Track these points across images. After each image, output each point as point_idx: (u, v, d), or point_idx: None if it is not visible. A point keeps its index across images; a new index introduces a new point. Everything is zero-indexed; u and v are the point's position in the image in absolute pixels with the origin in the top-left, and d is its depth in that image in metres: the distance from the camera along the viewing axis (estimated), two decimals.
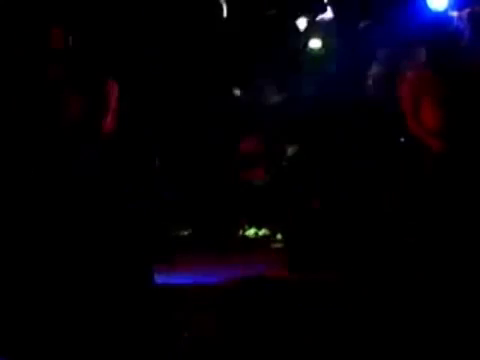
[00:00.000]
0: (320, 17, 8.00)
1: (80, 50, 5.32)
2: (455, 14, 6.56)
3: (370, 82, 7.32)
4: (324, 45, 7.99)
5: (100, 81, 5.22)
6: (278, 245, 7.48)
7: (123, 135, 5.52)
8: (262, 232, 7.96)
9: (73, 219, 5.16)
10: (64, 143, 5.25)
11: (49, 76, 5.22)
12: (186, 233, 7.63)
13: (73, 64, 5.23)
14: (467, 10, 6.50)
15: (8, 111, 5.41)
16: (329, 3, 7.89)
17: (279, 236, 7.68)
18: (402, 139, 6.51)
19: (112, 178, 5.33)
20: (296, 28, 8.07)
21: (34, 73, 5.36)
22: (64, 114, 5.23)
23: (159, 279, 5.37)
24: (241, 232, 7.89)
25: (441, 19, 6.39)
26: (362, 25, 7.53)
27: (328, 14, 7.99)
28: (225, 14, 7.93)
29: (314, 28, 8.04)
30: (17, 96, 5.44)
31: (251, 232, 7.95)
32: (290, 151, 7.84)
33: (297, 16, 8.03)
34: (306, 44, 8.04)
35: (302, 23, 8.10)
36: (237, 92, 8.08)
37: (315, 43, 8.01)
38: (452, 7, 6.74)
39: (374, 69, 7.34)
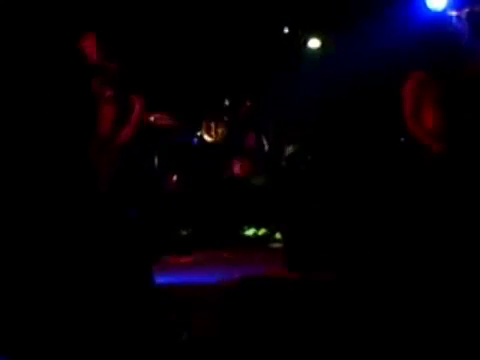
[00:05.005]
0: None
1: (114, 63, 5.30)
2: (454, 14, 6.57)
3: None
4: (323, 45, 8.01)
5: (130, 95, 5.21)
6: (277, 245, 7.48)
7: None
8: (261, 232, 7.96)
9: (73, 220, 5.15)
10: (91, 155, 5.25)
11: (92, 89, 5.22)
12: (186, 233, 7.64)
13: (108, 77, 5.21)
14: (466, 10, 6.51)
15: (46, 120, 5.43)
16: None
17: (278, 236, 7.68)
18: (402, 139, 6.52)
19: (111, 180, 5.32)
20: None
21: (79, 85, 5.37)
22: (99, 127, 5.24)
23: (159, 279, 5.37)
24: (241, 232, 7.90)
25: (440, 20, 6.39)
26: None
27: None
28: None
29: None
30: (59, 106, 5.46)
31: (251, 232, 7.95)
32: (289, 150, 7.85)
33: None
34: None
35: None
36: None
37: (314, 43, 8.05)
38: (451, 7, 6.75)
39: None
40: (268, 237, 7.90)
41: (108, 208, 5.20)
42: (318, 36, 8.30)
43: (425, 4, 6.81)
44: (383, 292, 4.91)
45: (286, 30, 8.47)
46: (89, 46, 5.24)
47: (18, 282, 4.87)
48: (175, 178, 7.80)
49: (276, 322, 4.56)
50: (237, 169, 8.06)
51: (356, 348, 4.18)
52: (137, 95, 5.21)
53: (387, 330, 4.34)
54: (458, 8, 6.71)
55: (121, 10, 6.18)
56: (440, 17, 6.68)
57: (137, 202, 5.60)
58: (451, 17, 6.68)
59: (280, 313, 4.69)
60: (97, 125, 5.22)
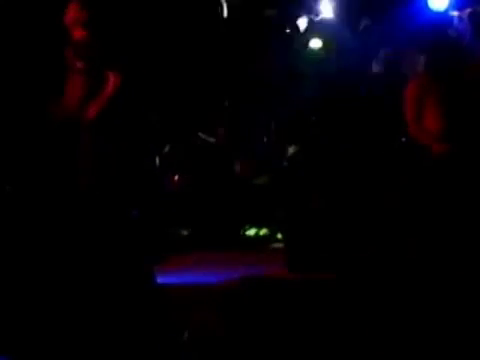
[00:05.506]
0: (321, 17, 8.01)
1: (93, 32, 5.24)
2: (456, 14, 6.57)
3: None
4: (324, 45, 7.99)
5: (105, 70, 5.13)
6: (278, 245, 7.46)
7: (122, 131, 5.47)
8: (263, 232, 7.95)
9: (73, 218, 5.15)
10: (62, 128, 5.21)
11: (65, 58, 5.17)
12: (186, 233, 7.62)
13: (82, 48, 5.16)
14: (468, 10, 6.51)
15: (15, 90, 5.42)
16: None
17: (279, 236, 7.66)
18: (403, 139, 6.51)
19: (111, 176, 5.30)
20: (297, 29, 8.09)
21: (50, 53, 5.35)
22: (68, 97, 5.18)
23: (159, 279, 5.36)
24: (242, 232, 7.88)
25: (441, 22, 6.39)
26: (362, 25, 7.53)
27: (329, 15, 8.00)
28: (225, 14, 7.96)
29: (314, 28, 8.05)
30: (27, 75, 5.45)
31: (251, 232, 7.94)
32: (291, 151, 7.84)
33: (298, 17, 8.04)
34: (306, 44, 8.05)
35: (303, 23, 8.10)
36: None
37: (315, 43, 8.02)
38: (453, 7, 6.75)
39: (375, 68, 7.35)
40: (269, 237, 7.88)
41: (109, 208, 5.19)
42: (319, 36, 8.28)
43: (427, 4, 6.81)
44: (383, 292, 4.91)
45: (287, 30, 8.46)
46: (71, 10, 5.18)
47: (18, 282, 4.87)
48: (176, 178, 7.80)
49: (276, 322, 4.57)
50: (238, 169, 8.06)
51: (356, 348, 4.18)
52: (114, 72, 5.12)
53: (387, 330, 4.35)
54: (460, 8, 6.71)
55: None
56: (442, 17, 6.68)
57: (139, 202, 5.60)
58: (453, 17, 6.68)
59: (280, 313, 4.69)
60: (63, 94, 5.16)
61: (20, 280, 4.90)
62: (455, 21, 6.64)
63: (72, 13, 5.17)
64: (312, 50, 8.04)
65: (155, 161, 7.24)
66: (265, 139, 8.16)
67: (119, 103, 5.13)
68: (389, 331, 4.34)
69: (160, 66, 7.18)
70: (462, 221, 5.18)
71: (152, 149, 7.09)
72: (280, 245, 7.33)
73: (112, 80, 5.08)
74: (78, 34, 5.15)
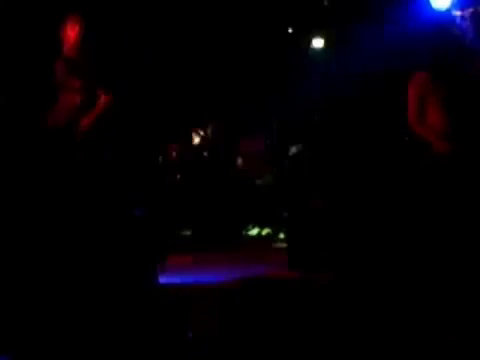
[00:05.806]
0: None
1: (85, 48, 5.27)
2: (458, 13, 6.55)
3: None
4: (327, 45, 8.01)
5: (97, 88, 5.18)
6: (281, 244, 7.46)
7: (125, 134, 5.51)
8: (265, 232, 7.96)
9: (75, 218, 5.16)
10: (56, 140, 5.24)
11: (55, 72, 5.20)
12: (188, 233, 7.64)
13: (76, 62, 5.19)
14: (470, 9, 6.49)
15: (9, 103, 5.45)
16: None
17: (282, 236, 7.67)
18: (406, 138, 6.51)
19: (114, 177, 5.32)
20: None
21: (41, 66, 5.37)
22: (58, 111, 5.21)
23: (159, 279, 5.38)
24: (244, 232, 7.89)
25: (444, 19, 6.38)
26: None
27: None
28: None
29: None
30: (18, 89, 5.47)
31: (254, 232, 7.95)
32: (293, 150, 7.85)
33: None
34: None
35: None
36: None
37: (318, 43, 8.05)
38: (455, 6, 6.73)
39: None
40: (272, 237, 7.88)
41: (114, 207, 5.20)
42: (322, 36, 8.30)
43: (429, 4, 6.79)
44: (383, 292, 4.91)
45: (290, 30, 8.48)
46: (70, 28, 5.20)
47: (19, 281, 4.88)
48: (179, 177, 7.81)
49: (276, 322, 4.56)
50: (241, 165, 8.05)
51: (355, 348, 4.17)
52: (105, 90, 5.17)
53: (386, 330, 4.34)
54: (462, 8, 6.69)
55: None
56: (444, 17, 6.67)
57: (143, 201, 5.62)
58: (455, 17, 6.66)
59: (280, 313, 4.69)
60: (52, 111, 5.19)
61: (20, 280, 4.90)
62: (457, 20, 6.63)
63: (70, 32, 5.20)
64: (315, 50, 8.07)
65: (158, 161, 7.26)
66: (267, 138, 8.18)
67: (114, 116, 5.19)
68: (388, 331, 4.33)
69: (160, 65, 7.21)
70: (463, 221, 5.17)
71: (154, 149, 7.11)
72: (283, 245, 7.33)
73: (103, 99, 5.14)
74: (74, 53, 5.19)
